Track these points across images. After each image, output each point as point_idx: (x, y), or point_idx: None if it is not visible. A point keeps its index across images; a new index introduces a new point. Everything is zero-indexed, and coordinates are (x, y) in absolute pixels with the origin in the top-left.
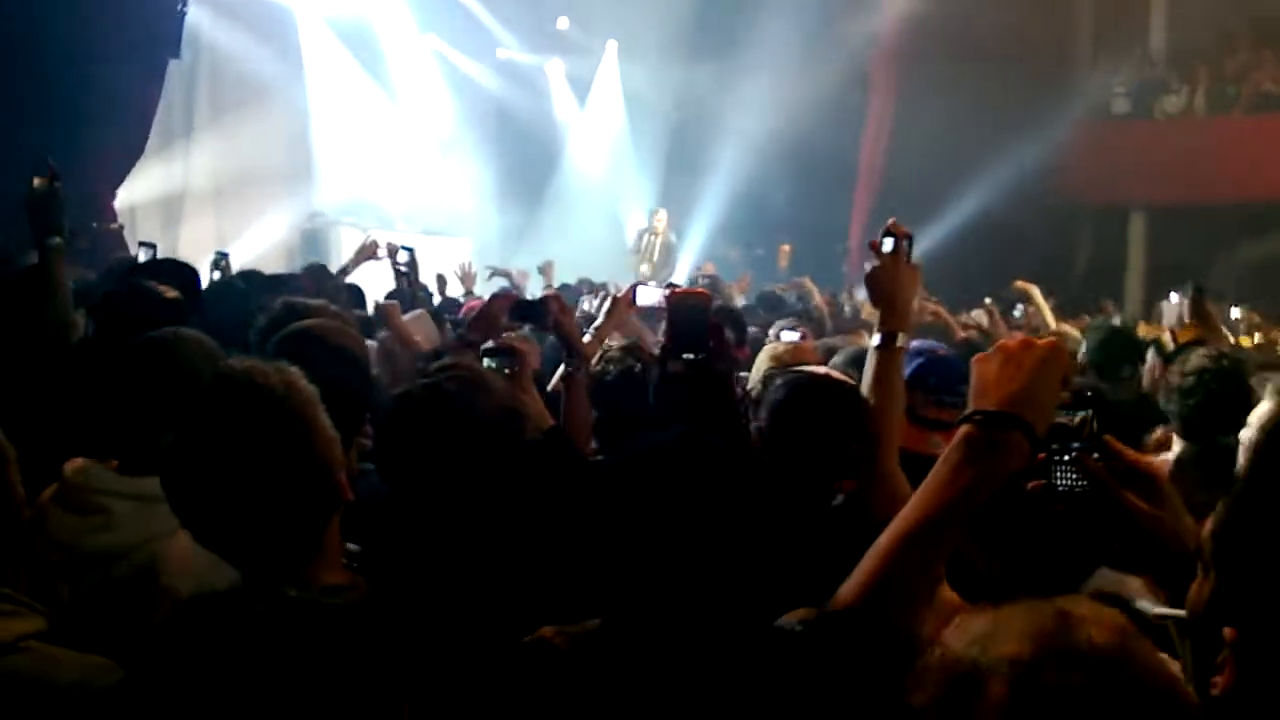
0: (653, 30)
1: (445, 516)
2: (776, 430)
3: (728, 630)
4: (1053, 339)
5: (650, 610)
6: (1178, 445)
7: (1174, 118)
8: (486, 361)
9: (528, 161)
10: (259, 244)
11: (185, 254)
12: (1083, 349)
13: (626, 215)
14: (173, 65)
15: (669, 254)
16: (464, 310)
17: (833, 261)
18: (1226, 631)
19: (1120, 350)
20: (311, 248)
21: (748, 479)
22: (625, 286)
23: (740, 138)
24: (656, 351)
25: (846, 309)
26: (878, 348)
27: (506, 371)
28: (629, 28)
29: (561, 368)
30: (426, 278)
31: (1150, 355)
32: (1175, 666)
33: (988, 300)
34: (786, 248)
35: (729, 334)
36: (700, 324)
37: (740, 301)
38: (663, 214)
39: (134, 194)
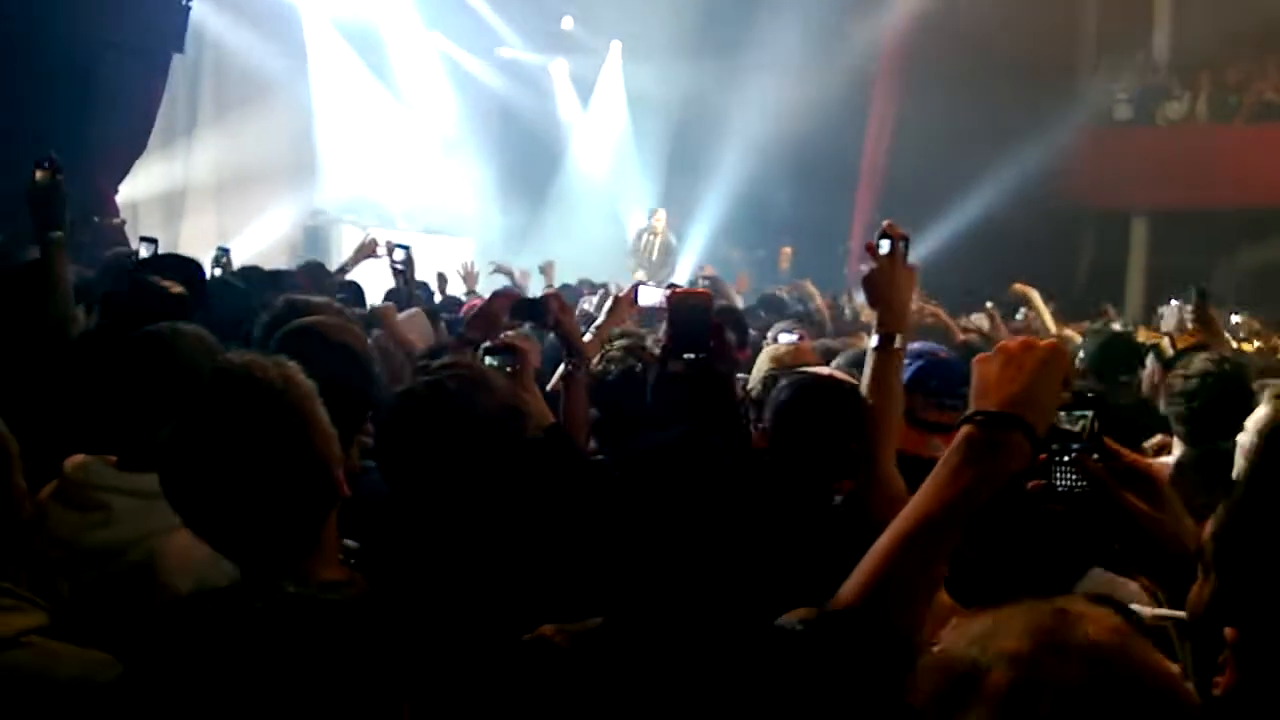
0: (656, 31)
1: (446, 515)
2: (782, 430)
3: (729, 629)
4: (1053, 340)
5: (651, 609)
6: (1178, 449)
7: (1176, 124)
8: (488, 360)
9: (530, 161)
10: (261, 241)
11: (186, 250)
12: (1081, 353)
13: (628, 216)
14: (176, 60)
15: (668, 254)
16: (464, 309)
17: (834, 264)
18: (1228, 632)
19: (1119, 355)
20: (313, 245)
21: (747, 479)
22: (625, 287)
23: (743, 139)
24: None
25: (847, 311)
26: (876, 349)
27: (508, 370)
28: (633, 28)
29: (561, 367)
30: (428, 276)
31: (1150, 361)
32: (1173, 667)
33: (989, 304)
34: (788, 250)
35: (730, 335)
36: (701, 324)
37: (739, 302)
38: (662, 214)
39: (136, 189)
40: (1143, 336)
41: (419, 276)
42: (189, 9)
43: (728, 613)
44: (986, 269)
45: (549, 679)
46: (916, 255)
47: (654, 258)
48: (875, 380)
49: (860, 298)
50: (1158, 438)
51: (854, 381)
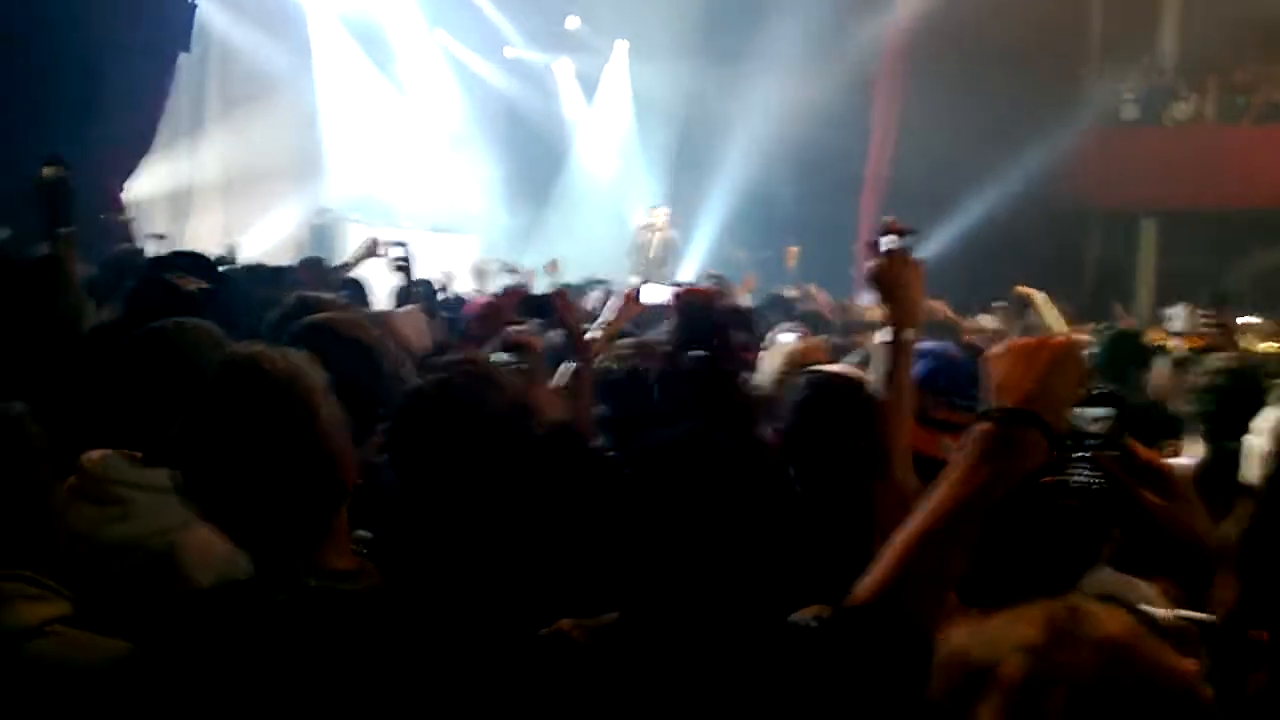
0: (661, 30)
1: (456, 511)
2: (799, 428)
3: (744, 625)
4: (1070, 337)
5: (664, 605)
6: (1198, 449)
7: (1183, 124)
8: (498, 356)
9: (535, 160)
10: (266, 239)
11: (192, 248)
12: (1091, 350)
13: (633, 215)
14: (183, 59)
15: (669, 251)
16: (471, 308)
17: (841, 263)
18: (1258, 634)
19: (1127, 353)
20: (319, 243)
21: (754, 475)
22: (625, 285)
23: (748, 139)
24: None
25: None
26: (886, 345)
27: (518, 367)
28: (638, 28)
29: (564, 364)
30: (432, 273)
31: (1159, 362)
32: (1188, 665)
33: (1000, 303)
34: (794, 249)
35: (740, 334)
36: (707, 322)
37: (746, 302)
38: (662, 210)
39: (143, 187)
40: (1153, 337)
41: (423, 274)
42: (195, 7)
43: (741, 609)
44: (993, 270)
45: (567, 673)
46: (922, 255)
47: (654, 255)
48: (886, 375)
49: (865, 299)
50: (1169, 447)
51: (868, 379)
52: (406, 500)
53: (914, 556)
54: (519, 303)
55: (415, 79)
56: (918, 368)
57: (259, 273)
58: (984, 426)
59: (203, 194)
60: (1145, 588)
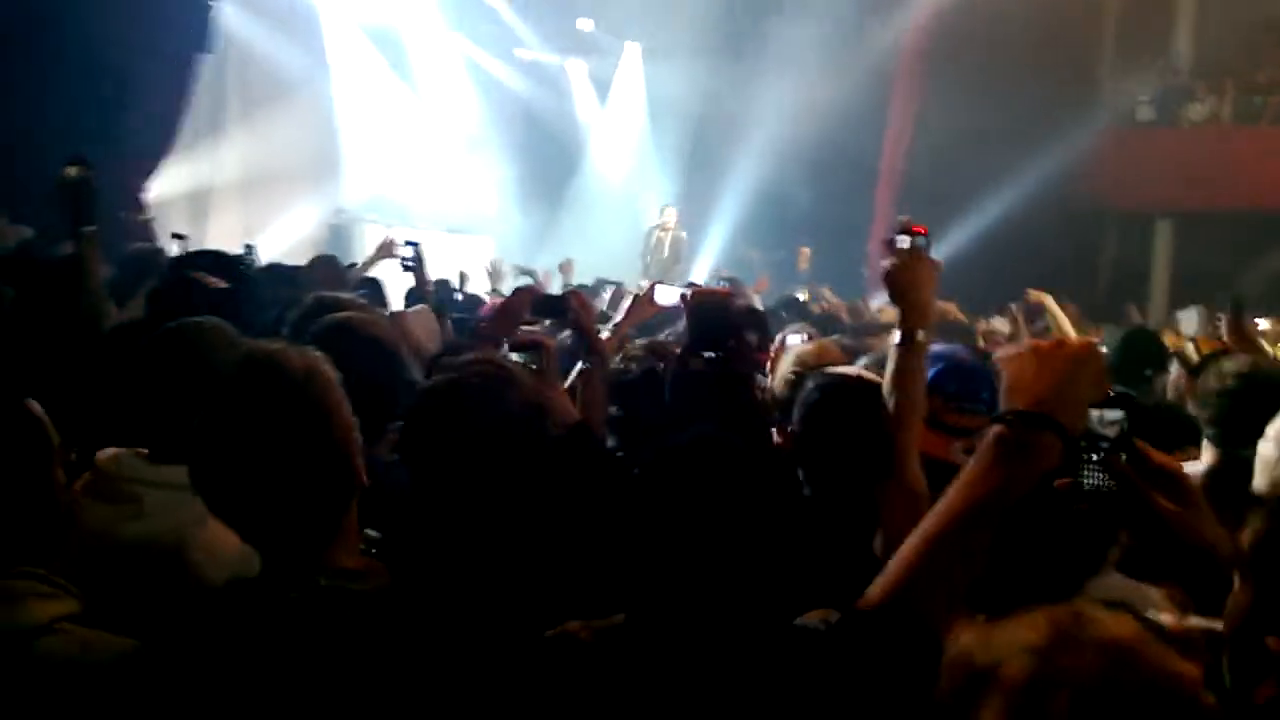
0: (675, 31)
1: (469, 510)
2: (811, 430)
3: (753, 628)
4: (1088, 339)
5: (673, 606)
6: (1208, 454)
7: (1199, 125)
8: (514, 356)
9: (549, 161)
10: (284, 239)
11: (210, 248)
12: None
13: (646, 216)
14: (203, 61)
15: (679, 251)
16: (486, 308)
17: (854, 264)
18: (1271, 642)
19: (1142, 353)
20: (336, 243)
21: (768, 478)
22: (636, 286)
23: (761, 139)
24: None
25: (866, 315)
26: (898, 346)
27: (533, 367)
28: (651, 29)
29: (579, 364)
30: (450, 274)
31: (1174, 367)
32: (1191, 669)
33: (1013, 306)
34: (806, 250)
35: (753, 335)
36: (721, 323)
37: (758, 304)
38: (672, 210)
39: (163, 188)
40: (1167, 341)
41: (440, 274)
42: (211, 8)
43: (750, 611)
44: (1007, 271)
45: (575, 673)
46: (936, 256)
47: (665, 255)
48: (897, 378)
49: (877, 301)
50: (1181, 455)
51: (881, 380)
52: (418, 499)
53: (926, 560)
54: (532, 303)
55: (430, 81)
56: (928, 371)
57: (277, 272)
58: (998, 429)
59: (221, 194)
60: (1153, 593)
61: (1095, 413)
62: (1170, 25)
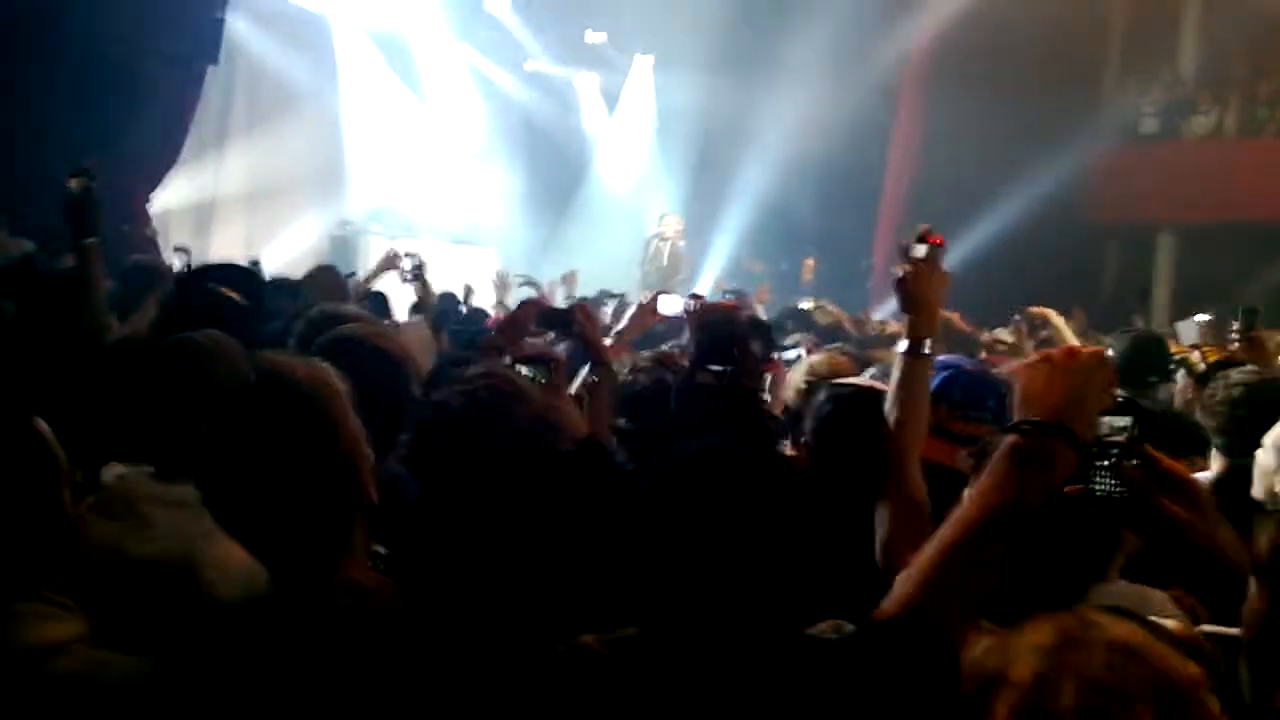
0: (682, 45)
1: (478, 524)
2: (824, 442)
3: (768, 638)
4: (1098, 348)
5: (688, 618)
6: (1216, 463)
7: (1203, 138)
8: (523, 370)
9: (556, 173)
10: (288, 251)
11: (214, 260)
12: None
13: (651, 228)
14: (210, 72)
15: (679, 260)
16: (491, 321)
17: (858, 277)
18: None
19: (1149, 358)
20: (340, 255)
21: (776, 489)
22: (637, 297)
23: (767, 152)
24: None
25: (868, 327)
26: (905, 354)
27: (542, 381)
28: (659, 42)
29: (581, 375)
30: (455, 287)
31: (1180, 376)
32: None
33: (1016, 318)
34: (811, 262)
35: (758, 348)
36: (727, 335)
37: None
38: (671, 219)
39: (167, 199)
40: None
41: (447, 287)
42: (222, 20)
43: (763, 622)
44: (1011, 283)
45: (591, 687)
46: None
47: (664, 264)
48: (903, 386)
49: (878, 314)
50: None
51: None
52: (426, 513)
53: (943, 570)
54: (538, 316)
55: (438, 92)
56: (933, 380)
57: (278, 285)
58: (1013, 439)
59: (226, 206)
60: (1157, 598)
61: (1104, 419)
62: (1175, 38)
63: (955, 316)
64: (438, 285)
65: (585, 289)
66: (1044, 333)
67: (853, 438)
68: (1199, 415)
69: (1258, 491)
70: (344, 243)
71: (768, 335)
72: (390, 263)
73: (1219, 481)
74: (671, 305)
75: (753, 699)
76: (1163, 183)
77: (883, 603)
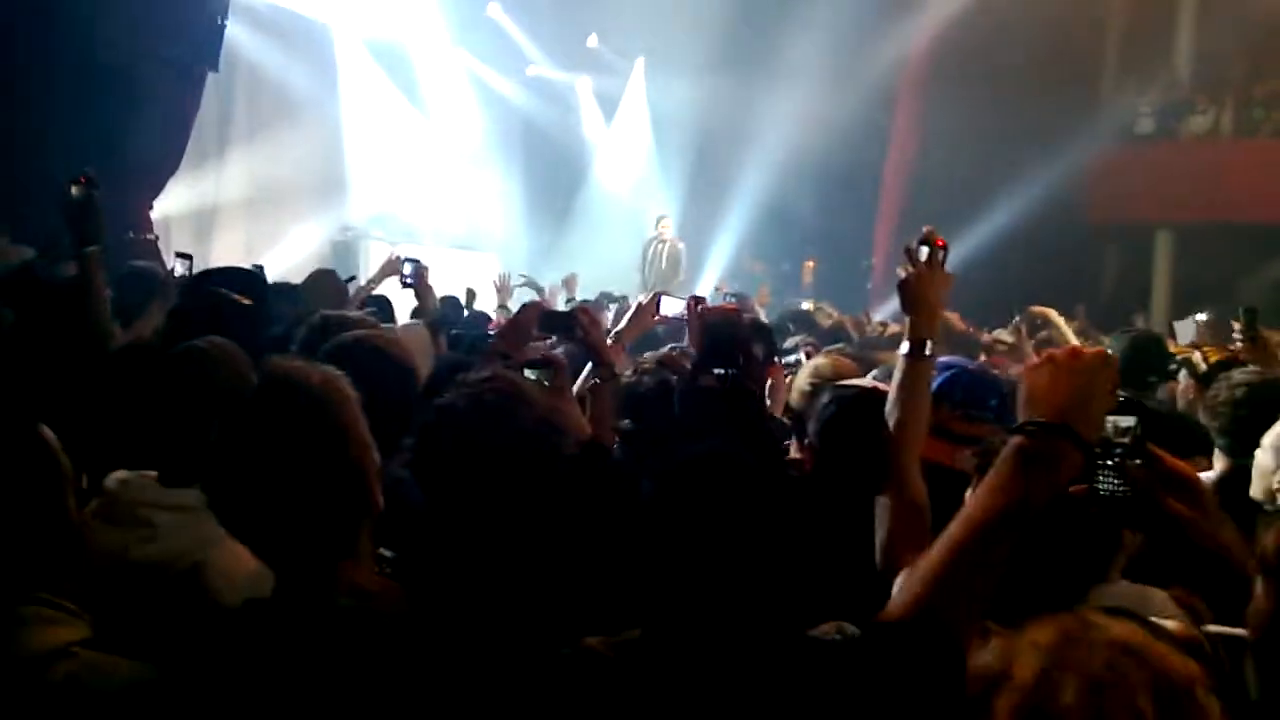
0: (680, 47)
1: (482, 528)
2: (828, 444)
3: (772, 640)
4: (1101, 349)
5: (692, 620)
6: (1220, 464)
7: (1200, 138)
8: (527, 373)
9: (556, 177)
10: (290, 256)
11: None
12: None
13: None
14: (210, 79)
15: (677, 261)
16: (492, 325)
17: (858, 278)
18: None
19: (1149, 358)
20: (341, 261)
21: (779, 490)
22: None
23: (766, 153)
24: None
25: (868, 329)
26: (906, 355)
27: (546, 384)
28: (657, 45)
29: (583, 375)
30: (457, 291)
31: (1183, 376)
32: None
33: (1015, 318)
34: (811, 263)
35: (760, 350)
36: (730, 339)
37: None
38: (668, 220)
39: (168, 205)
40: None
41: (447, 291)
42: (224, 27)
43: (766, 623)
44: (1009, 283)
45: (596, 689)
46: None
47: (664, 267)
48: (904, 386)
49: (878, 315)
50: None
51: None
52: (431, 517)
53: (949, 572)
54: (540, 319)
55: (437, 98)
56: (935, 380)
57: (278, 289)
58: (1019, 440)
59: (227, 212)
60: (1160, 598)
61: (1109, 419)
62: (1172, 40)
63: (954, 317)
64: (440, 290)
65: (586, 292)
66: (1043, 333)
67: (856, 439)
68: (1201, 416)
69: (1256, 492)
70: (345, 248)
71: (770, 339)
72: (393, 268)
73: (1222, 481)
74: (672, 307)
75: (757, 701)
76: (1160, 183)
77: (889, 604)
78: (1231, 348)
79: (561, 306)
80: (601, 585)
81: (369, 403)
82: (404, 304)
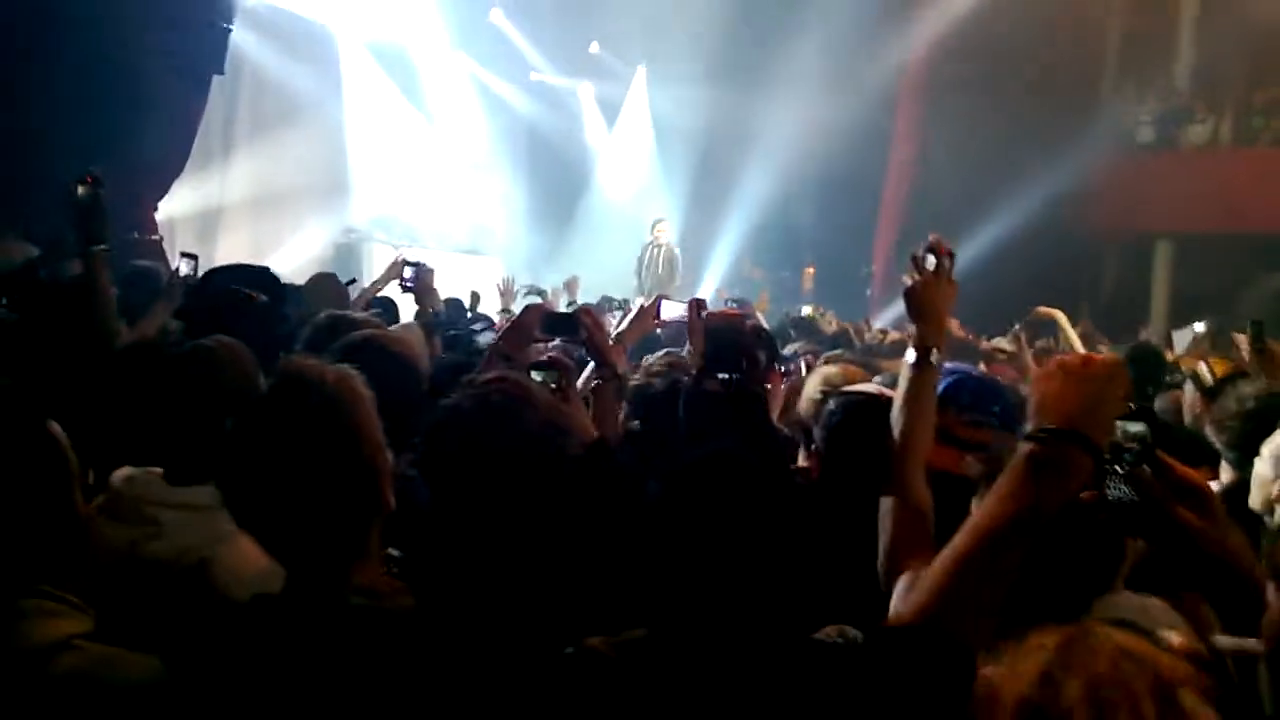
0: (682, 54)
1: (488, 528)
2: (834, 449)
3: (776, 642)
4: (1113, 355)
5: (697, 621)
6: (1227, 476)
7: (1199, 147)
8: (534, 375)
9: (558, 182)
10: (294, 258)
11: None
12: None
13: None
14: (215, 82)
15: (674, 265)
16: (496, 328)
17: (858, 285)
18: None
19: (1146, 370)
20: (344, 263)
21: (783, 494)
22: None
23: (767, 160)
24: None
25: (868, 336)
26: (912, 364)
27: (553, 385)
28: (659, 51)
29: (584, 375)
30: (462, 294)
31: (1189, 389)
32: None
33: (1015, 326)
34: (811, 270)
35: (763, 356)
36: (734, 344)
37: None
38: (664, 225)
39: (173, 207)
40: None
41: (452, 294)
42: (229, 30)
43: (770, 625)
44: (1008, 291)
45: (600, 688)
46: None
47: (661, 271)
48: (910, 395)
49: (878, 323)
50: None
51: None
52: (437, 516)
53: (958, 579)
54: (542, 321)
55: (440, 102)
56: (940, 385)
57: (286, 291)
58: (1030, 447)
59: (231, 214)
60: (1159, 606)
61: (1118, 425)
62: (1171, 48)
63: (954, 324)
64: (443, 293)
65: (588, 296)
66: (1041, 341)
67: (862, 444)
68: (1208, 429)
69: (1254, 502)
70: (348, 250)
71: (772, 344)
72: (397, 270)
73: (1229, 492)
74: (673, 311)
75: (760, 702)
76: (1159, 192)
77: (898, 610)
78: (1235, 360)
79: (563, 309)
80: (606, 585)
81: (378, 399)
82: (408, 307)
